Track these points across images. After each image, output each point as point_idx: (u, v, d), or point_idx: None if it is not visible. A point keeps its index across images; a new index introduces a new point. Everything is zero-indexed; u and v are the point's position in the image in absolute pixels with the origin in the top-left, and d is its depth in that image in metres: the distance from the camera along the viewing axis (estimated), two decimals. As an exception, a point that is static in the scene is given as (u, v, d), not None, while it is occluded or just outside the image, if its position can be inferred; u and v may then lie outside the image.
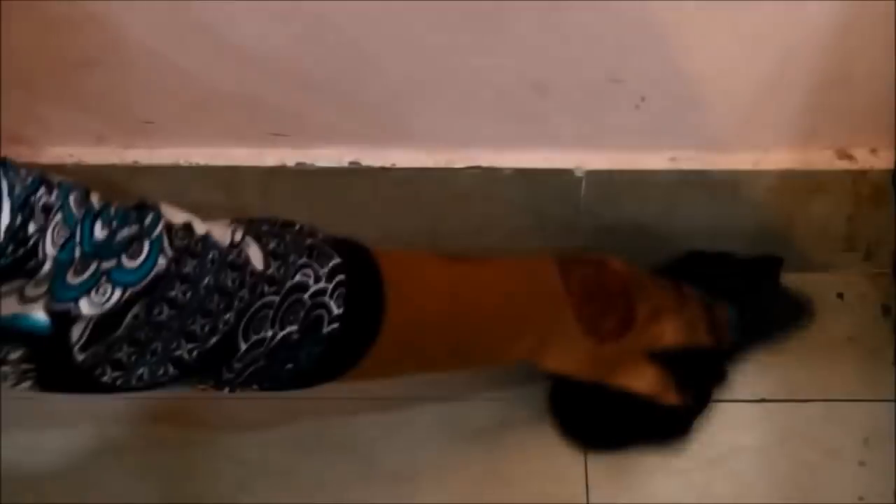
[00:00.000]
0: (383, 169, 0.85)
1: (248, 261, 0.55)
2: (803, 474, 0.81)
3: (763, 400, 0.85)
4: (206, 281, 0.53)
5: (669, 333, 0.77)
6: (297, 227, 0.60)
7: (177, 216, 0.55)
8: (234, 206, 0.88)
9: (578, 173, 0.85)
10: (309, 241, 0.59)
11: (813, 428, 0.83)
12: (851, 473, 0.81)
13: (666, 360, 0.77)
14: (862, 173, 0.84)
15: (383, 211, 0.89)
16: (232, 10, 0.74)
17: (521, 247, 0.90)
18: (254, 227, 0.58)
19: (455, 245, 0.90)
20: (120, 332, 0.51)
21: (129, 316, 0.51)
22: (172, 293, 0.52)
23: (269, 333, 0.56)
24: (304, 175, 0.86)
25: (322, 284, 0.57)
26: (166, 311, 0.52)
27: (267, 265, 0.56)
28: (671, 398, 0.78)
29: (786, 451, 0.83)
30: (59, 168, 0.85)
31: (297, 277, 0.56)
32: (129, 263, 0.51)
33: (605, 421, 0.82)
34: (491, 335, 0.70)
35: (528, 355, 0.72)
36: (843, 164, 0.84)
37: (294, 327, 0.57)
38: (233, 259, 0.54)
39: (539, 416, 0.84)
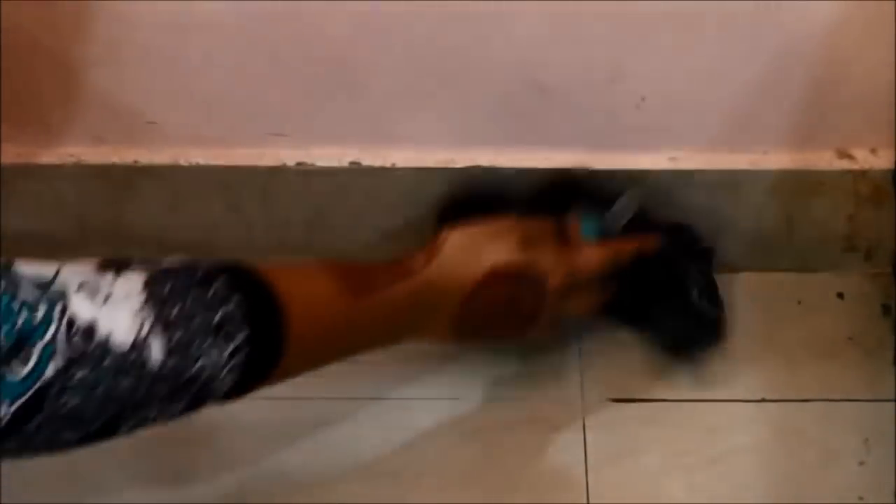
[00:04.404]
0: (383, 169, 0.85)
1: (145, 362, 0.51)
2: (803, 474, 0.81)
3: (763, 400, 0.85)
4: (99, 389, 0.50)
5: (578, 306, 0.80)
6: (214, 289, 0.54)
7: (83, 309, 0.49)
8: (235, 207, 0.88)
9: (578, 173, 0.85)
10: (221, 313, 0.54)
11: (813, 428, 0.83)
12: (851, 473, 0.81)
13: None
14: (862, 173, 0.84)
15: (383, 211, 0.89)
16: (232, 10, 0.74)
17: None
18: (166, 310, 0.52)
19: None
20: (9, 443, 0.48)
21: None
22: (63, 399, 0.48)
23: (152, 414, 0.55)
24: (304, 175, 0.86)
25: (218, 370, 0.55)
26: (51, 419, 0.48)
27: (165, 362, 0.52)
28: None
29: (786, 451, 0.83)
30: (59, 168, 0.86)
31: (194, 369, 0.53)
32: (18, 370, 0.46)
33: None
34: (387, 343, 0.73)
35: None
36: (843, 164, 0.84)
37: (181, 404, 0.55)
38: (131, 361, 0.51)
39: (539, 415, 0.84)
